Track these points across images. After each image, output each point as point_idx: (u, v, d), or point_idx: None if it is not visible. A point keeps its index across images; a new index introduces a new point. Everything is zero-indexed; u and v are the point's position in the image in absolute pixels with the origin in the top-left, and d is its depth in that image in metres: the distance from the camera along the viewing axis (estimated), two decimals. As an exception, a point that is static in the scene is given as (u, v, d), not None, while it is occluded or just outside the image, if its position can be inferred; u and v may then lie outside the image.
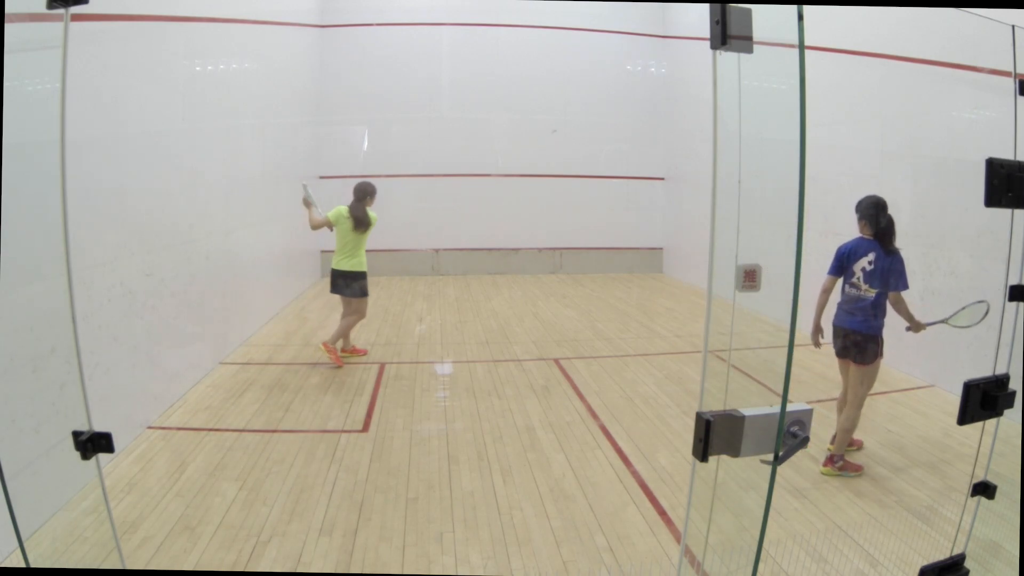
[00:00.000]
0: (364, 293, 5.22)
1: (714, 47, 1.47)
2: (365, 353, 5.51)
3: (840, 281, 3.41)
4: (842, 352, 3.41)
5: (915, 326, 3.35)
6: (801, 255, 1.46)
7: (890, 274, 3.27)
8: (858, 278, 3.33)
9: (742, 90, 1.52)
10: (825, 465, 3.34)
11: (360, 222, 5.06)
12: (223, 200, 5.50)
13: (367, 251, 5.20)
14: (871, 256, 3.29)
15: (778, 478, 1.55)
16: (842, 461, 3.33)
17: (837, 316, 3.44)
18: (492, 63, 9.59)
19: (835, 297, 3.47)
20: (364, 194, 5.11)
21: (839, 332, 3.42)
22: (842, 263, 3.38)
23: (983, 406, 2.02)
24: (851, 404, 3.37)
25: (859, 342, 3.32)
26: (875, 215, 3.30)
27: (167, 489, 3.14)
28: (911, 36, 4.73)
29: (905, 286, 3.30)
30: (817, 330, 3.46)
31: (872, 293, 3.29)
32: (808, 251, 1.51)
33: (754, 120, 1.56)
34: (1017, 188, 1.97)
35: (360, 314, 5.29)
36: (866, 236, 3.34)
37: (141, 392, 3.94)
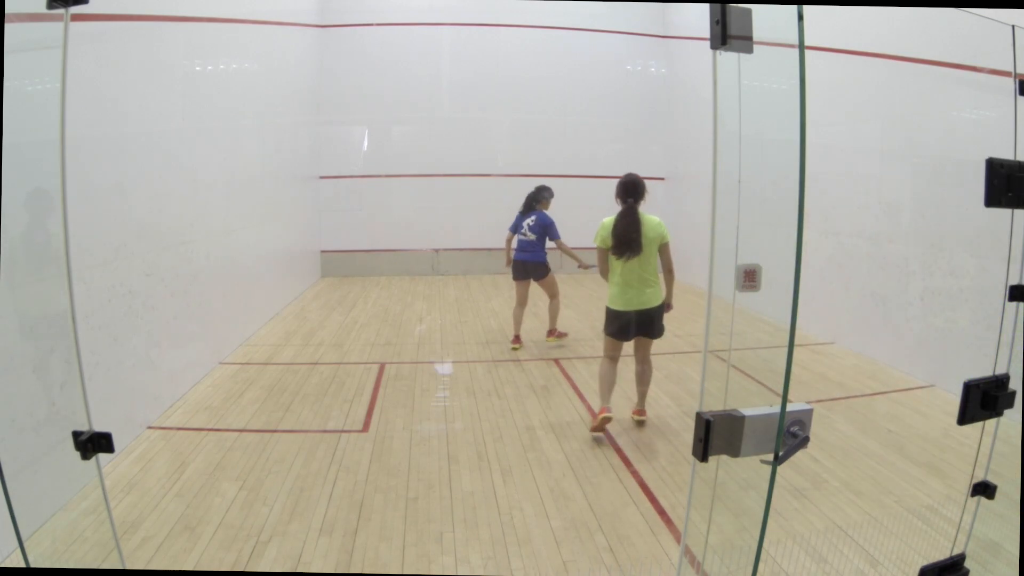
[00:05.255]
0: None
1: (714, 47, 1.47)
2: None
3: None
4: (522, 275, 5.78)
5: (581, 264, 5.51)
6: (801, 255, 1.46)
7: (545, 228, 5.58)
8: (525, 230, 5.67)
9: (742, 90, 1.52)
10: (548, 336, 5.81)
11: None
12: (223, 200, 5.50)
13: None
14: (532, 218, 5.68)
15: (778, 478, 1.55)
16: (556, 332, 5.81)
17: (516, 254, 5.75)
18: (492, 63, 9.58)
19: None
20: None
21: (518, 264, 5.69)
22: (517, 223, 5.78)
23: (983, 406, 2.01)
24: (552, 299, 5.79)
25: (535, 266, 5.67)
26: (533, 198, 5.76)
27: (167, 489, 3.14)
28: (911, 36, 4.73)
29: (557, 235, 5.57)
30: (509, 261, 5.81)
31: (533, 237, 5.63)
32: (808, 251, 1.51)
33: (754, 120, 1.55)
34: (1017, 188, 1.97)
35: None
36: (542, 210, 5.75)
37: (141, 392, 3.94)
